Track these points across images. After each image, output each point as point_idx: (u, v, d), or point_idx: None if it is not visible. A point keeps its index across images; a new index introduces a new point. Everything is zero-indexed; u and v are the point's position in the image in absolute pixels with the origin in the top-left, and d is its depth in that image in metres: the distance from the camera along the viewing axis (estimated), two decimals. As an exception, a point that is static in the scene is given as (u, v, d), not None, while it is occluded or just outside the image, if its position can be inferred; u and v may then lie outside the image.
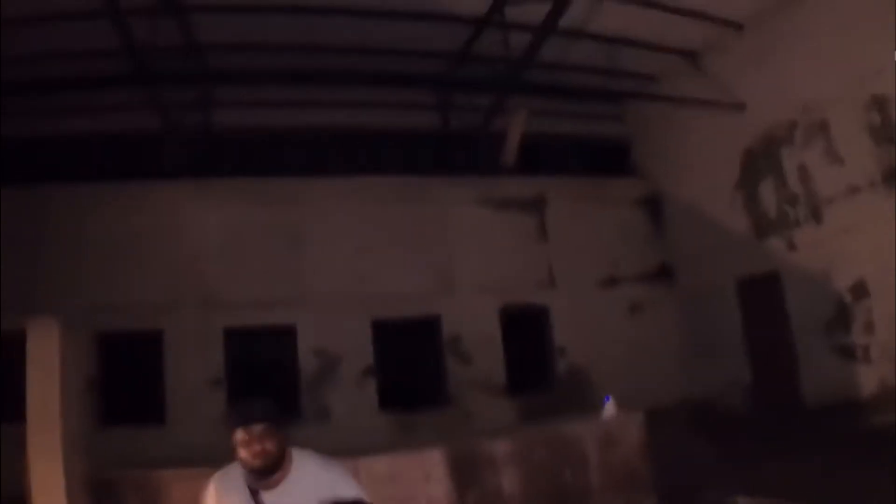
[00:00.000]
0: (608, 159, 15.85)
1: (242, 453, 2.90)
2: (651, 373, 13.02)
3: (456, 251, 13.63)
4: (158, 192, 12.18)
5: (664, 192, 14.96)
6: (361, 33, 11.59)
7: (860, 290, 10.71)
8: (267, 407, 2.97)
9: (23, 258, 10.69)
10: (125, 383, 11.07)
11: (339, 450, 8.79)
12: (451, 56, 12.74)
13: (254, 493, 2.95)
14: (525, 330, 13.76)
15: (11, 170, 11.72)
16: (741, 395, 12.72)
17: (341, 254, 12.78)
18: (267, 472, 2.93)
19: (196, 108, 12.41)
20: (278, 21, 10.93)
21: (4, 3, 9.11)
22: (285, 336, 12.33)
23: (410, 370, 13.20)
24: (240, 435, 2.88)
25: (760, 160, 12.47)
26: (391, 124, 14.07)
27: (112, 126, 12.44)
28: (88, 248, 11.45)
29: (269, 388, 11.86)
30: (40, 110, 11.79)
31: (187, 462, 7.19)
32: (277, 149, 13.63)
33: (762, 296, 12.43)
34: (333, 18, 11.01)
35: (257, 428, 2.88)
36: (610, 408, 7.59)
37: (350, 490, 3.02)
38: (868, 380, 10.58)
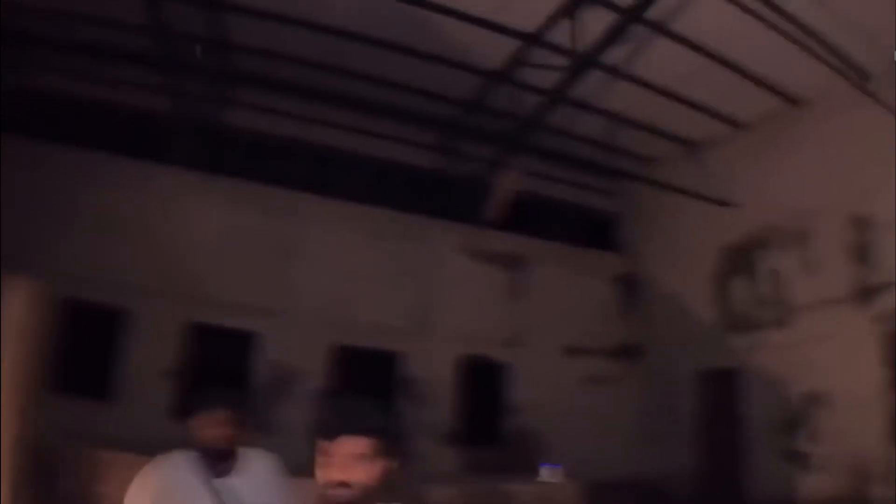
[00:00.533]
0: (594, 231, 16.12)
1: (206, 433, 2.99)
2: (602, 446, 13.10)
3: (431, 293, 13.77)
4: (158, 176, 12.25)
5: (642, 271, 15.23)
6: (381, 64, 11.85)
7: (814, 399, 10.94)
8: (235, 396, 3.09)
9: (13, 212, 10.70)
10: (83, 354, 11.01)
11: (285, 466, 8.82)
12: (463, 103, 13.03)
13: (207, 480, 3.04)
14: (483, 383, 13.81)
15: (18, 119, 11.70)
16: (687, 481, 12.79)
17: (322, 274, 12.89)
18: (224, 457, 3.03)
19: (210, 103, 12.55)
20: (305, 36, 11.14)
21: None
22: (248, 342, 12.32)
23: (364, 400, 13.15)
24: (205, 418, 2.98)
25: (738, 258, 12.78)
26: (395, 157, 14.29)
27: (126, 100, 12.52)
28: (77, 215, 11.48)
29: (221, 389, 11.82)
30: (57, 68, 11.86)
31: (129, 446, 7.21)
32: (281, 158, 13.74)
33: (720, 389, 12.61)
34: (358, 44, 11.26)
35: (225, 412, 2.99)
36: (549, 473, 7.67)
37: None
38: (809, 486, 10.78)
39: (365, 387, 13.10)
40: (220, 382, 10.72)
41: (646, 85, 11.81)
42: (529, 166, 13.72)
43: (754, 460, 11.77)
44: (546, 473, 7.71)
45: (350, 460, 2.01)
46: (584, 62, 10.05)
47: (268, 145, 13.62)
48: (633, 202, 15.69)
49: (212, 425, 2.98)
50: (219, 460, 3.05)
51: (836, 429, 10.46)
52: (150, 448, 7.78)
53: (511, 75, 11.74)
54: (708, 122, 12.87)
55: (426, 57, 11.55)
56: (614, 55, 10.58)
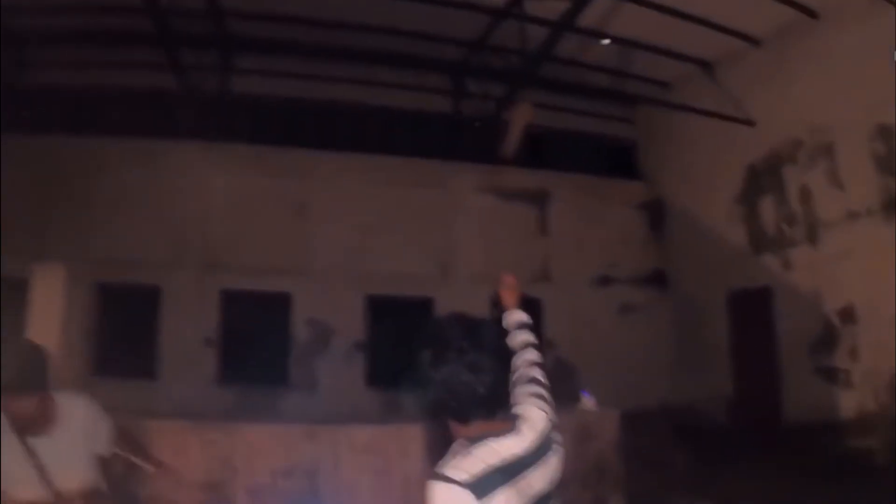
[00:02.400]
0: (614, 160, 15.94)
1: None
2: (636, 375, 13.16)
3: (456, 236, 13.78)
4: (170, 151, 12.29)
5: (666, 197, 15.05)
6: (383, 13, 11.69)
7: (849, 315, 10.83)
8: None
9: (32, 205, 10.88)
10: (121, 336, 11.25)
11: (324, 418, 9.04)
12: (469, 44, 12.86)
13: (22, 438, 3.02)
14: (517, 321, 13.87)
15: (27, 117, 11.84)
16: (723, 406, 12.87)
17: (343, 228, 12.94)
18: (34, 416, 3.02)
19: (213, 73, 12.53)
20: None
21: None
22: (281, 303, 12.49)
23: (400, 350, 13.33)
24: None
25: (764, 176, 12.56)
26: (404, 105, 14.21)
27: (130, 82, 12.58)
28: (97, 201, 11.63)
29: (261, 352, 12.09)
30: (59, 60, 11.94)
31: (176, 416, 7.40)
32: (290, 120, 13.75)
33: (752, 310, 12.55)
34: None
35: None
36: (587, 402, 7.75)
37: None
38: (848, 404, 10.71)
39: (401, 336, 13.23)
40: (253, 350, 11.03)
41: (655, 6, 11.51)
42: (543, 100, 13.54)
43: (790, 381, 11.73)
44: (586, 402, 7.77)
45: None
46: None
47: (275, 109, 13.60)
48: (653, 128, 15.44)
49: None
50: (30, 420, 3.01)
51: (872, 344, 10.35)
52: (199, 416, 8.02)
53: (516, 10, 11.52)
54: (722, 39, 12.51)
55: (426, 1, 11.35)
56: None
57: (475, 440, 1.98)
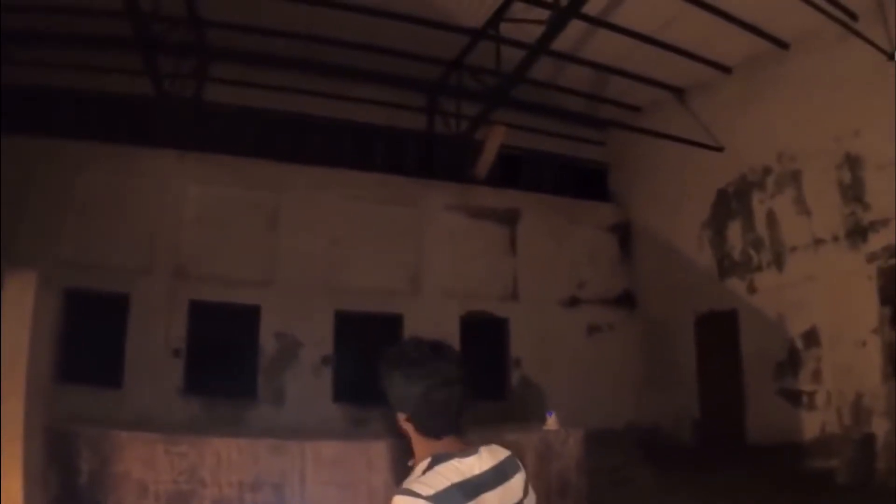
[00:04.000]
0: (585, 182, 16.10)
1: None
2: (602, 394, 13.31)
3: (426, 253, 13.82)
4: (144, 158, 12.21)
5: (636, 220, 15.27)
6: (360, 30, 11.78)
7: (812, 338, 11.09)
8: None
9: (2, 206, 10.75)
10: (88, 343, 11.11)
11: (291, 431, 8.99)
12: (445, 63, 12.98)
13: None
14: (484, 339, 13.93)
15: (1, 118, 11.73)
16: (688, 426, 13.02)
17: (315, 242, 12.91)
18: None
19: (190, 81, 12.50)
20: (281, 7, 11.07)
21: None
22: (249, 315, 12.41)
23: (367, 365, 13.29)
24: None
25: (732, 201, 12.82)
26: (378, 121, 14.24)
27: (106, 87, 12.46)
28: (67, 204, 11.50)
29: (228, 363, 12.02)
30: (36, 62, 11.82)
31: (141, 426, 7.35)
32: (265, 131, 13.73)
33: (718, 333, 12.74)
34: (335, 11, 11.19)
35: None
36: (552, 422, 7.81)
37: None
38: (810, 425, 10.94)
39: (369, 351, 13.21)
40: (220, 362, 10.95)
41: (629, 33, 11.73)
42: (517, 120, 13.71)
43: (754, 402, 11.93)
44: (551, 422, 7.83)
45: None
46: (564, 13, 9.96)
47: (251, 120, 13.59)
48: (624, 151, 15.65)
49: None
50: None
51: (836, 367, 10.62)
52: (165, 427, 7.95)
53: (492, 31, 11.66)
54: (694, 67, 12.80)
55: (405, 18, 11.46)
56: (595, 5, 10.51)
57: (439, 458, 2.03)
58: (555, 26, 10.18)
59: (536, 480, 7.22)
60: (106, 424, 7.11)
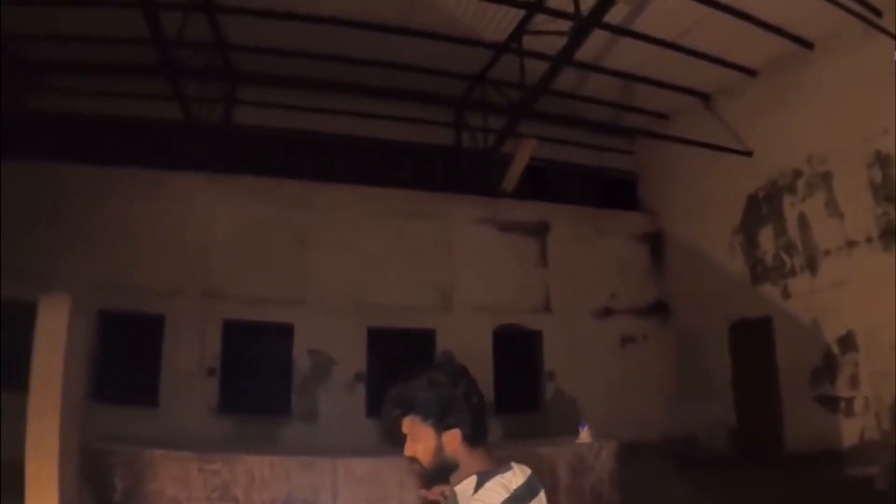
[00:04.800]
0: (614, 192, 16.03)
1: None
2: (637, 406, 13.18)
3: (456, 268, 13.83)
4: (174, 181, 12.42)
5: (666, 228, 15.15)
6: (384, 48, 11.90)
7: (848, 343, 10.85)
8: None
9: (38, 230, 11.01)
10: (123, 363, 11.29)
11: (324, 448, 9.03)
12: (470, 77, 13.03)
13: None
14: (517, 352, 13.90)
15: (33, 144, 11.99)
16: (724, 436, 12.83)
17: (345, 260, 13.01)
18: None
19: (217, 104, 12.70)
20: (305, 29, 11.23)
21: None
22: (282, 334, 12.53)
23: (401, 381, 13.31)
24: None
25: (763, 206, 12.66)
26: (405, 138, 14.34)
27: (136, 112, 12.74)
28: (101, 228, 11.73)
29: (262, 381, 12.14)
30: (67, 90, 12.13)
31: (177, 444, 7.44)
32: (292, 151, 13.88)
33: (753, 340, 12.57)
34: (359, 31, 11.32)
35: None
36: (585, 434, 7.75)
37: None
38: (849, 432, 10.70)
39: (402, 367, 13.23)
40: (254, 381, 11.08)
41: (651, 40, 11.70)
42: (543, 132, 13.68)
43: (791, 409, 11.70)
44: (584, 434, 7.77)
45: (408, 439, 2.11)
46: (586, 23, 9.96)
47: (278, 140, 13.75)
48: (652, 159, 15.56)
49: None
50: None
51: (873, 372, 10.37)
52: (200, 444, 8.05)
53: (515, 45, 11.69)
54: (719, 71, 12.71)
55: (428, 35, 11.55)
56: (617, 13, 10.52)
57: (484, 475, 2.03)
58: (577, 36, 10.17)
59: (569, 494, 7.22)
60: (142, 443, 7.21)
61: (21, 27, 10.75)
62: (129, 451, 6.59)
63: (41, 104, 12.19)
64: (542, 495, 2.13)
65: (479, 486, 2.01)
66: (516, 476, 2.07)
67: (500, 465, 2.08)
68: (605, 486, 7.51)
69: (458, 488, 2.06)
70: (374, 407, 12.59)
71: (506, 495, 1.98)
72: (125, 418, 10.19)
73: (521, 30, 11.41)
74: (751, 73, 12.77)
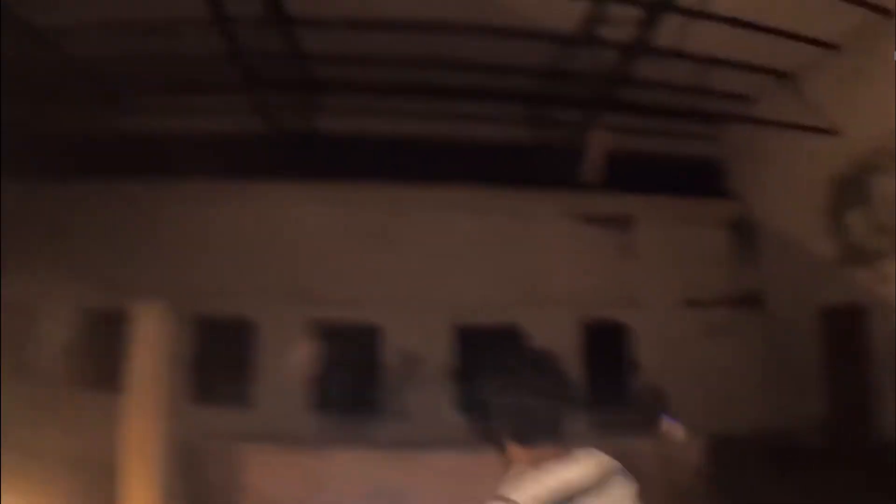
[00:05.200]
0: (698, 179, 15.67)
1: None
2: (727, 398, 12.92)
3: (541, 263, 13.88)
4: (261, 191, 12.92)
5: (753, 214, 14.74)
6: (456, 48, 12.00)
7: (948, 328, 10.39)
8: None
9: (137, 243, 11.63)
10: (217, 366, 11.78)
11: (416, 445, 9.24)
12: (543, 72, 13.01)
13: None
14: (604, 346, 13.83)
15: (128, 163, 12.60)
16: (817, 428, 12.42)
17: (430, 259, 13.26)
18: None
19: (298, 113, 13.06)
20: (379, 35, 11.47)
21: (113, 5, 9.89)
22: (371, 334, 12.83)
23: (489, 377, 13.40)
24: None
25: (851, 187, 12.17)
26: (481, 136, 14.42)
27: (223, 127, 13.27)
28: (193, 239, 12.38)
29: (352, 381, 12.46)
30: (155, 109, 12.69)
31: (269, 441, 7.75)
32: (373, 156, 14.12)
33: (845, 327, 12.06)
34: (430, 34, 11.48)
35: None
36: (673, 428, 7.69)
37: None
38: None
39: (490, 364, 13.31)
40: (344, 381, 11.38)
41: (727, 20, 11.41)
42: (622, 123, 13.54)
43: (885, 398, 11.18)
44: (667, 427, 7.71)
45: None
46: (659, 7, 9.83)
47: (359, 146, 14.01)
48: (735, 144, 15.18)
49: None
50: None
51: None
52: (291, 442, 8.35)
53: (587, 35, 11.61)
54: (799, 48, 12.25)
55: (498, 32, 11.59)
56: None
57: (534, 465, 2.08)
58: (650, 22, 10.07)
59: (655, 489, 7.18)
60: (236, 440, 7.53)
61: (104, 49, 11.30)
62: (224, 446, 6.91)
63: (129, 123, 12.80)
64: (617, 490, 2.12)
65: (523, 474, 2.05)
66: (579, 467, 2.09)
67: (559, 457, 2.10)
68: (693, 480, 7.45)
69: (510, 476, 2.09)
70: (463, 403, 12.75)
71: (551, 485, 2.00)
72: (222, 418, 10.64)
73: (592, 20, 11.30)
74: (833, 47, 12.25)
